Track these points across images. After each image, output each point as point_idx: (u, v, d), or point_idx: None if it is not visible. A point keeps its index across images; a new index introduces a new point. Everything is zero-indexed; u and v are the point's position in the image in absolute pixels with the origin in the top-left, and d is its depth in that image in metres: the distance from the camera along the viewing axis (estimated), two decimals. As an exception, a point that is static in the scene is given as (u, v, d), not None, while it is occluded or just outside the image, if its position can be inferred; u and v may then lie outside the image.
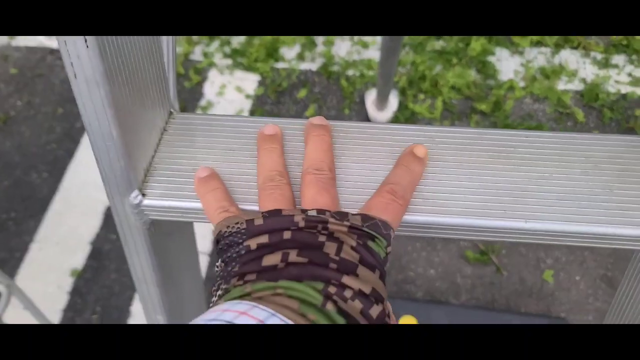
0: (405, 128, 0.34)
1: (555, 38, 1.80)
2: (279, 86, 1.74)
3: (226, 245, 0.27)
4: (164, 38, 0.34)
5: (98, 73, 0.24)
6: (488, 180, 0.31)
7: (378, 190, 0.30)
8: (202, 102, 1.71)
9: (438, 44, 1.80)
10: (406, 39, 1.79)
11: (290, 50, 1.82)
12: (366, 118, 1.66)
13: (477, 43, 1.78)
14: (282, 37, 1.83)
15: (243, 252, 0.26)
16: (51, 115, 1.69)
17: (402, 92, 1.69)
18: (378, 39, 1.83)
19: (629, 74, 1.72)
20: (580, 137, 0.33)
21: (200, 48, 1.84)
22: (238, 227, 0.27)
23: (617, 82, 1.70)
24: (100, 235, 1.44)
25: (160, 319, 0.37)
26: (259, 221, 0.27)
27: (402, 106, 1.66)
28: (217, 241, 0.28)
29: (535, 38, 1.80)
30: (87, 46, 0.22)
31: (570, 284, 1.33)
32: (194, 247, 0.42)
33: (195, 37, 1.87)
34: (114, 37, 0.24)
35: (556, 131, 0.37)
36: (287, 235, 0.26)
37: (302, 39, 1.83)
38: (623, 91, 1.68)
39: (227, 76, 1.77)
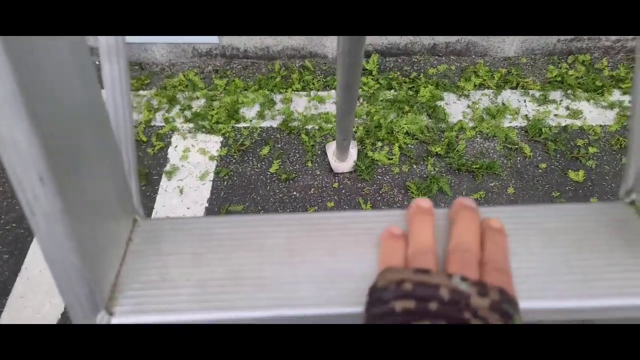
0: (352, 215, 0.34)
1: (495, 80, 1.94)
2: (242, 145, 1.77)
3: (375, 299, 0.28)
4: (123, 146, 0.36)
5: (57, 210, 0.23)
6: None
7: (484, 272, 0.30)
8: (167, 167, 1.72)
9: (390, 93, 1.90)
10: (360, 91, 1.88)
11: (250, 110, 1.87)
12: (329, 169, 1.71)
13: (426, 90, 1.89)
14: (240, 98, 1.89)
15: (388, 312, 0.27)
16: (10, 193, 1.66)
17: (361, 142, 1.76)
18: (333, 94, 1.92)
19: (567, 108, 1.86)
20: (534, 209, 0.34)
21: (161, 114, 1.87)
22: (388, 286, 0.28)
23: (556, 115, 1.83)
24: (66, 314, 1.38)
25: None
26: (407, 286, 0.27)
27: (361, 155, 1.72)
28: (370, 293, 0.29)
29: (477, 81, 1.93)
30: (43, 184, 0.22)
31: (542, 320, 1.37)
32: None
33: (155, 103, 1.90)
34: (72, 169, 0.24)
35: (512, 204, 0.38)
36: (432, 306, 0.26)
37: (260, 97, 1.90)
38: (563, 124, 1.81)
39: (189, 140, 1.80)
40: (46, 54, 0.22)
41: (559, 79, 1.94)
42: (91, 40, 1.53)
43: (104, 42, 0.31)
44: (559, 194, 1.62)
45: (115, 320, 0.29)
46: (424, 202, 0.34)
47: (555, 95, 1.90)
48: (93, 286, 0.27)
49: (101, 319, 0.29)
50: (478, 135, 1.78)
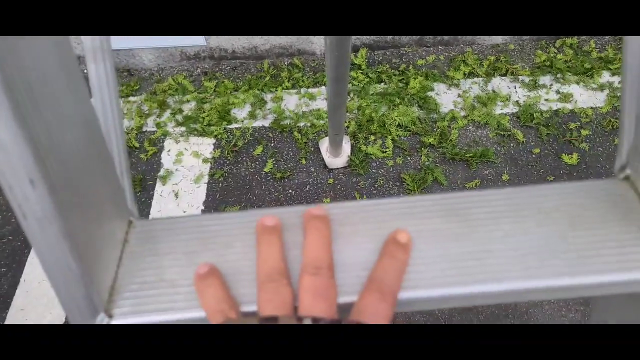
0: (350, 206, 0.33)
1: (485, 67, 1.94)
2: (235, 146, 1.77)
3: None
4: (114, 147, 0.35)
5: (49, 212, 0.23)
6: (448, 247, 0.31)
7: (366, 289, 0.29)
8: (161, 172, 1.71)
9: (380, 86, 1.90)
10: (350, 86, 1.88)
11: (241, 110, 1.87)
12: (323, 165, 1.70)
13: (416, 81, 1.89)
14: (231, 99, 1.88)
15: None
16: (4, 207, 1.64)
17: (353, 136, 1.76)
18: (323, 90, 1.92)
19: (557, 92, 1.87)
20: (529, 190, 0.34)
21: (152, 119, 1.86)
22: None
23: (547, 100, 1.84)
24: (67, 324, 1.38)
25: None
26: None
27: (355, 149, 1.72)
28: None
29: (467, 70, 1.93)
30: (34, 186, 0.22)
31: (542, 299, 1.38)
32: None
33: (146, 109, 1.89)
34: (62, 171, 0.23)
35: (505, 186, 0.38)
36: None
37: (250, 97, 1.89)
38: (554, 108, 1.82)
39: (182, 143, 1.79)
40: (29, 54, 0.22)
41: (547, 63, 1.95)
42: (77, 49, 1.52)
43: (89, 43, 0.31)
44: (553, 177, 1.63)
45: (115, 322, 0.29)
46: (269, 220, 0.32)
47: (545, 79, 1.91)
48: (91, 288, 0.27)
49: (100, 321, 0.28)
50: (470, 124, 1.78)
